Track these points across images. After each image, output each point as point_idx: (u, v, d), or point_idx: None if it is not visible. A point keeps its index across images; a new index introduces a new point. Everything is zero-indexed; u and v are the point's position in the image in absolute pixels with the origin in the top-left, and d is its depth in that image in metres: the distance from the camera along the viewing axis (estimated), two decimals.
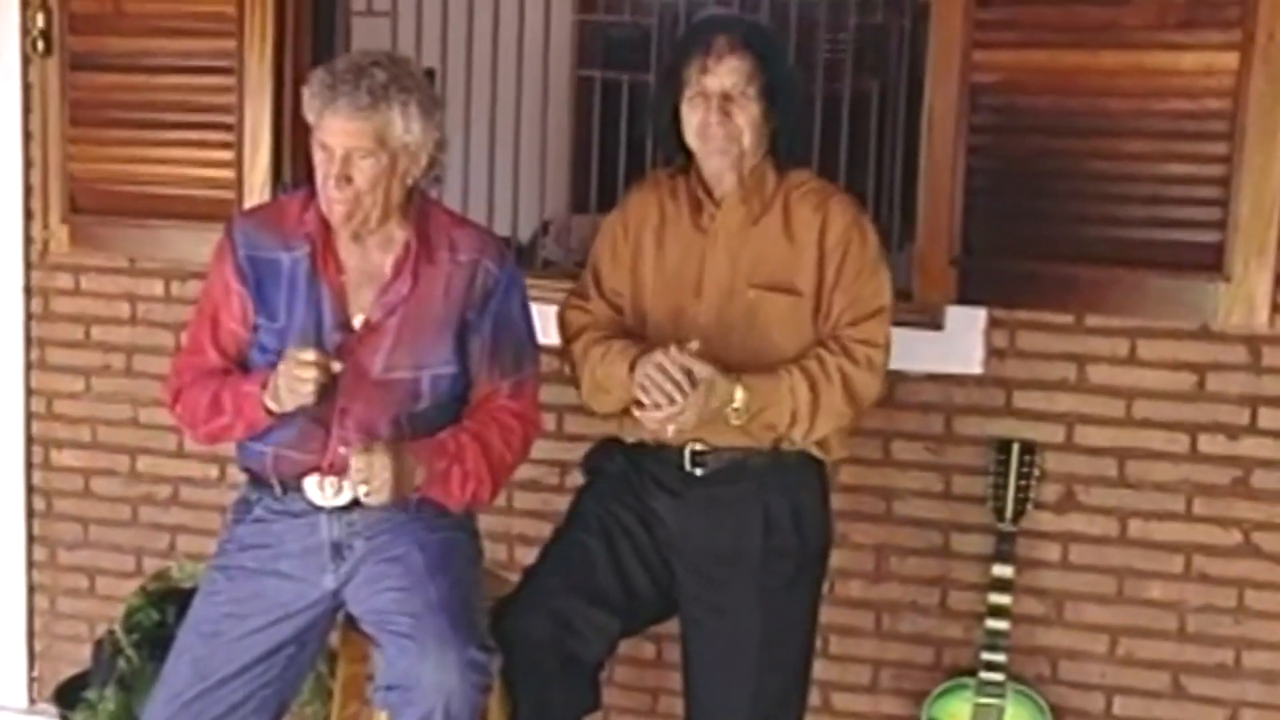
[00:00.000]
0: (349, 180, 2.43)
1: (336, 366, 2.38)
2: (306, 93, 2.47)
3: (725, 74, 2.52)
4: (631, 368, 2.50)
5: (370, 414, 2.48)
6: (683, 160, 2.65)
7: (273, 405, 2.43)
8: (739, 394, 2.46)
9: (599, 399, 2.63)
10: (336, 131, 2.42)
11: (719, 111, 2.52)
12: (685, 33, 2.66)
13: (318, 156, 2.46)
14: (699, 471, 2.61)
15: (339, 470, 2.48)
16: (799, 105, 2.66)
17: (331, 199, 2.45)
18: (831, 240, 2.56)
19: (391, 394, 2.50)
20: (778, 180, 2.62)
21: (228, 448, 3.23)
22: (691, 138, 2.58)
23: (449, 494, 2.52)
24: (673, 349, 2.44)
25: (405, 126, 2.44)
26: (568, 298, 2.76)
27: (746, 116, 2.53)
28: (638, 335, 2.61)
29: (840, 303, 2.55)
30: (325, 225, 2.52)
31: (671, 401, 2.42)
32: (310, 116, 2.47)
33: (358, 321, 2.51)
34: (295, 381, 2.36)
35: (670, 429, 2.45)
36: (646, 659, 3.30)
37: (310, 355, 2.36)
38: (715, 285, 2.59)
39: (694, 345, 2.45)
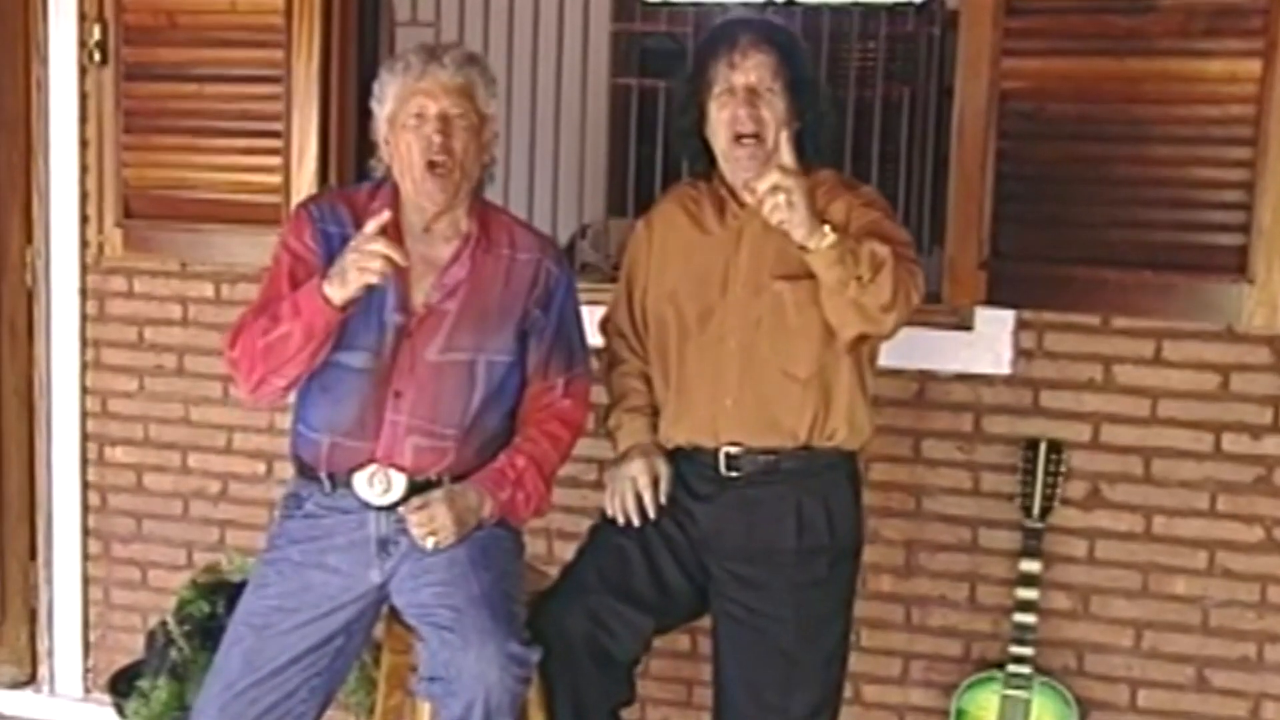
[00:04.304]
0: (448, 140, 2.50)
1: (403, 262, 2.36)
2: (394, 73, 2.55)
3: (751, 69, 2.53)
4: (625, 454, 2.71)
5: (424, 398, 2.53)
6: (704, 164, 2.67)
7: (335, 292, 2.37)
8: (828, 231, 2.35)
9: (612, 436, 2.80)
10: (437, 92, 2.51)
11: (746, 105, 2.53)
12: (708, 34, 2.64)
13: (410, 126, 2.52)
14: (733, 474, 2.63)
15: (392, 460, 2.54)
16: (822, 103, 2.65)
17: (432, 163, 2.50)
18: (856, 214, 2.55)
19: (446, 378, 2.55)
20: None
21: (278, 445, 3.34)
22: (720, 137, 2.59)
23: (516, 517, 2.63)
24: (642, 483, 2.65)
25: (486, 97, 2.57)
26: (604, 317, 2.82)
27: (772, 111, 2.54)
28: (661, 363, 2.71)
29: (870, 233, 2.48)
30: (393, 213, 2.56)
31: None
32: (393, 99, 2.55)
33: (418, 306, 2.56)
34: (365, 256, 2.33)
35: (799, 225, 2.32)
36: (681, 651, 3.32)
37: (375, 226, 2.36)
38: (740, 282, 2.61)
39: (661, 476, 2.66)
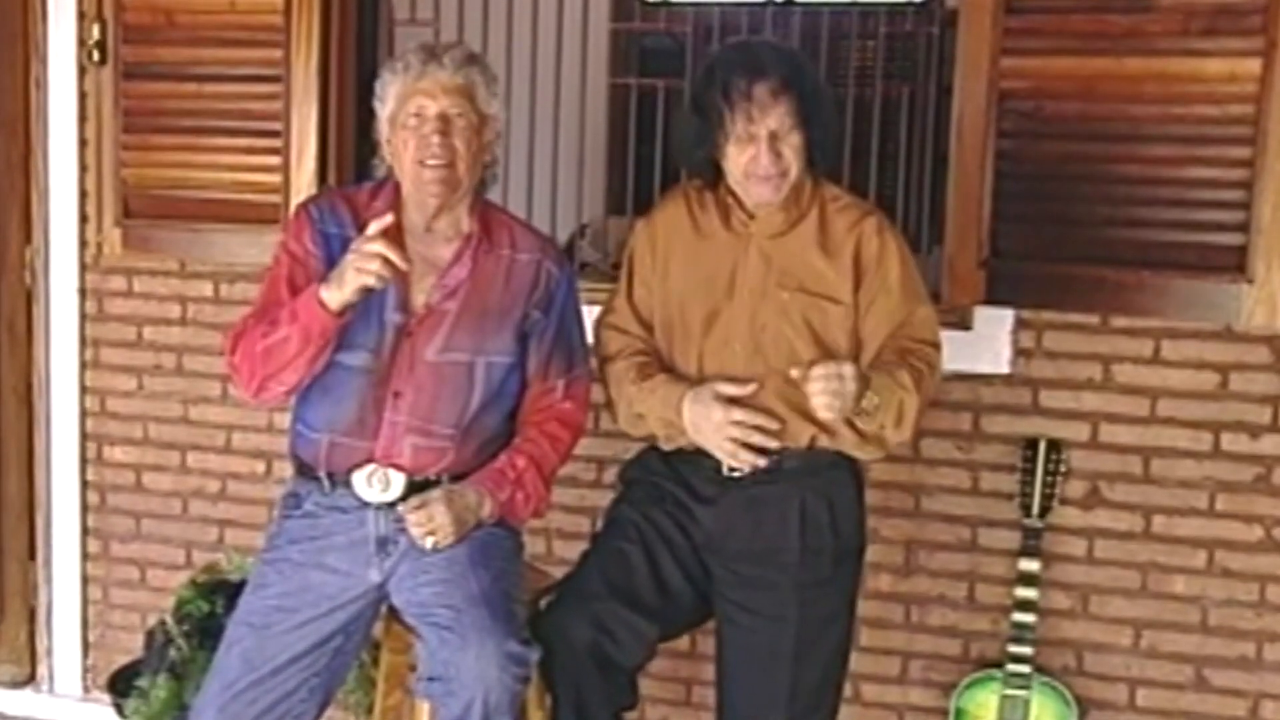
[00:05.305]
0: (447, 139, 2.51)
1: (403, 266, 2.36)
2: (394, 73, 2.56)
3: (771, 119, 2.50)
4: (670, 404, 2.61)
5: (422, 398, 2.54)
6: (712, 179, 2.64)
7: (331, 296, 2.38)
8: (870, 395, 2.47)
9: (636, 425, 2.69)
10: (436, 91, 2.51)
11: (769, 153, 2.51)
12: (717, 71, 2.56)
13: (410, 126, 2.52)
14: (736, 474, 2.63)
15: (391, 460, 2.55)
16: (827, 113, 2.63)
17: (431, 161, 2.51)
18: (868, 257, 2.58)
19: (445, 379, 2.56)
20: (812, 189, 2.64)
21: (278, 444, 3.33)
22: (736, 171, 2.56)
23: (515, 517, 2.63)
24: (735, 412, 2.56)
25: (487, 97, 2.57)
26: (601, 315, 2.78)
27: (793, 149, 2.53)
28: (667, 358, 2.68)
29: (898, 317, 2.59)
30: (394, 212, 2.56)
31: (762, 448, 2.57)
32: (394, 99, 2.55)
33: (418, 306, 2.57)
34: (363, 257, 2.34)
35: (824, 412, 2.44)
36: (680, 650, 3.31)
37: (377, 229, 2.37)
38: (748, 287, 2.61)
39: (751, 388, 2.56)
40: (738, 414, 2.56)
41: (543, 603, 2.72)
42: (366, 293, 2.41)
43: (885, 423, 2.53)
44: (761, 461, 2.58)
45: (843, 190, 2.72)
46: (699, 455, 2.65)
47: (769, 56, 2.56)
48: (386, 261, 2.34)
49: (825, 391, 2.40)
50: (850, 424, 2.57)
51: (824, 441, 2.61)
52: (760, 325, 2.60)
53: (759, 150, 2.52)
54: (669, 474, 2.71)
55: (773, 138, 2.52)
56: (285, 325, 2.45)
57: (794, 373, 2.44)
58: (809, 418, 2.57)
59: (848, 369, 2.41)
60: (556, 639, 2.58)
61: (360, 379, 2.55)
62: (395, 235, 2.52)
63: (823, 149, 2.63)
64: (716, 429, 2.57)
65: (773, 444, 2.58)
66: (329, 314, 2.40)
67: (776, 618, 2.62)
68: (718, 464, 2.63)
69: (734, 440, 2.56)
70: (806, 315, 2.57)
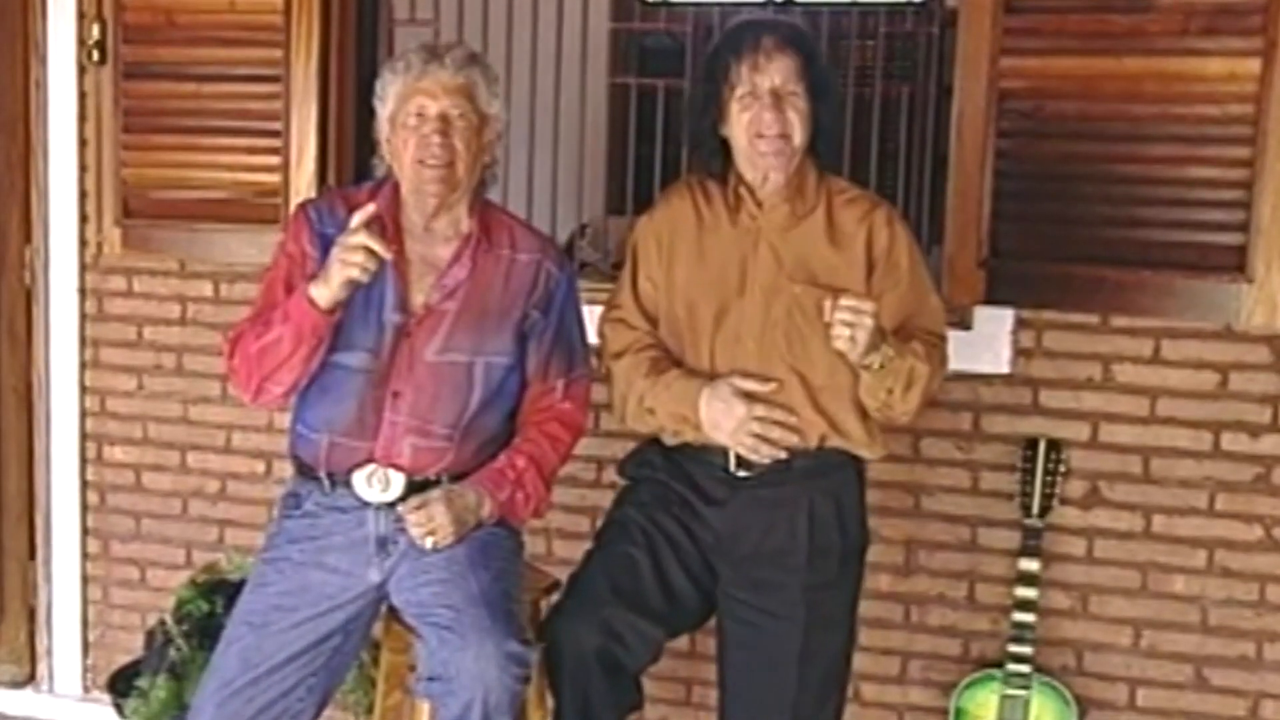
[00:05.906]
0: (447, 139, 2.51)
1: (386, 255, 2.38)
2: (395, 73, 2.56)
3: (776, 71, 2.51)
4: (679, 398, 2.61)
5: (422, 398, 2.54)
6: (719, 164, 2.64)
7: (319, 293, 2.40)
8: (885, 348, 2.48)
9: (644, 420, 2.67)
10: (437, 91, 2.52)
11: (772, 109, 2.52)
12: (726, 34, 2.60)
13: (410, 126, 2.53)
14: (743, 474, 2.63)
15: (390, 460, 2.55)
16: (838, 104, 2.65)
17: (430, 160, 2.51)
18: (879, 248, 2.59)
19: (444, 379, 2.55)
20: (819, 181, 2.63)
21: (277, 444, 3.33)
22: (741, 137, 2.56)
23: (515, 516, 2.63)
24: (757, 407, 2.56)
25: (488, 97, 2.57)
26: (605, 311, 2.76)
27: (797, 113, 2.53)
28: (675, 354, 2.67)
29: (907, 308, 2.59)
30: (393, 212, 2.58)
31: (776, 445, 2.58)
32: (394, 99, 2.55)
33: (417, 306, 2.57)
34: (346, 250, 2.36)
35: (855, 353, 2.45)
36: (680, 650, 3.29)
37: (360, 219, 2.38)
38: (759, 282, 2.60)
39: (771, 386, 2.57)
40: (760, 409, 2.56)
41: (546, 604, 2.72)
42: (355, 287, 2.41)
43: (895, 388, 2.52)
44: (782, 454, 2.58)
45: (849, 183, 2.72)
46: (705, 452, 2.65)
47: (778, 19, 2.61)
48: (371, 253, 2.35)
49: (844, 322, 2.40)
50: (862, 412, 2.59)
51: (834, 440, 2.61)
52: (773, 320, 2.59)
53: (762, 107, 2.52)
54: (674, 472, 2.70)
55: (776, 96, 2.52)
56: (278, 325, 2.47)
57: (826, 304, 2.43)
58: (821, 413, 2.59)
59: (870, 306, 2.42)
60: (565, 644, 2.59)
61: (359, 379, 2.55)
62: (392, 232, 2.54)
63: (830, 145, 2.64)
64: (739, 425, 2.56)
65: (793, 438, 2.58)
66: (319, 312, 2.42)
67: (784, 618, 2.63)
68: (725, 463, 2.63)
69: (755, 435, 2.57)
70: (819, 308, 2.55)
